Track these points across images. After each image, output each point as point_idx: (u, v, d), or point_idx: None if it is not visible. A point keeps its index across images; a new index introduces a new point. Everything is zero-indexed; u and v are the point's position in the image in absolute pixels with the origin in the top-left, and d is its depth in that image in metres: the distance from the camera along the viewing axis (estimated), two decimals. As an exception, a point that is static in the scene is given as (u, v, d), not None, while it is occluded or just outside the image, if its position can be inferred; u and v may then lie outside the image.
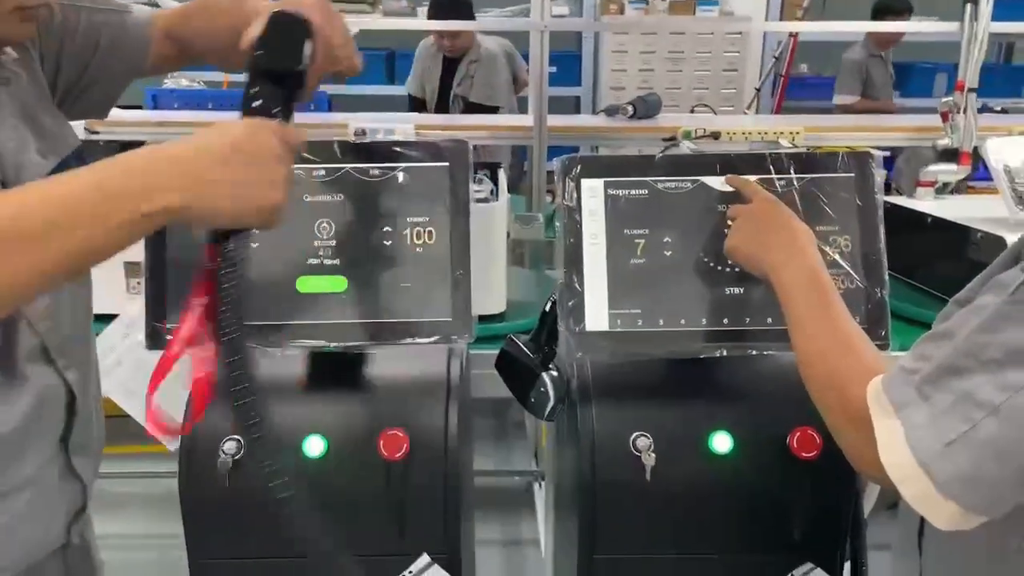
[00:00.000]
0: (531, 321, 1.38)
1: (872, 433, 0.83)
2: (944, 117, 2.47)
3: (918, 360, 0.83)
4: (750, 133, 3.02)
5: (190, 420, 1.07)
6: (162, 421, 0.96)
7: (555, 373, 1.31)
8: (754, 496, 1.26)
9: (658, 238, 1.29)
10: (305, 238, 1.27)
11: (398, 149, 1.29)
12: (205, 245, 0.88)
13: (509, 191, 1.95)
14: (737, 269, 1.23)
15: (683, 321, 1.28)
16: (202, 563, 1.28)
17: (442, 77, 4.51)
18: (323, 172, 1.28)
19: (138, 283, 1.45)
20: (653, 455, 1.22)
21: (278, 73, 0.94)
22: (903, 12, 4.89)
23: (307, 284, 1.27)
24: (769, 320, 1.26)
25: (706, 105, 4.41)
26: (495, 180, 1.85)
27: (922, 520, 0.90)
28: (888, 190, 2.28)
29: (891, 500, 0.88)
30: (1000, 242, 1.67)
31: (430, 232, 1.28)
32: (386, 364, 1.36)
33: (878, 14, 4.93)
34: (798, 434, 1.21)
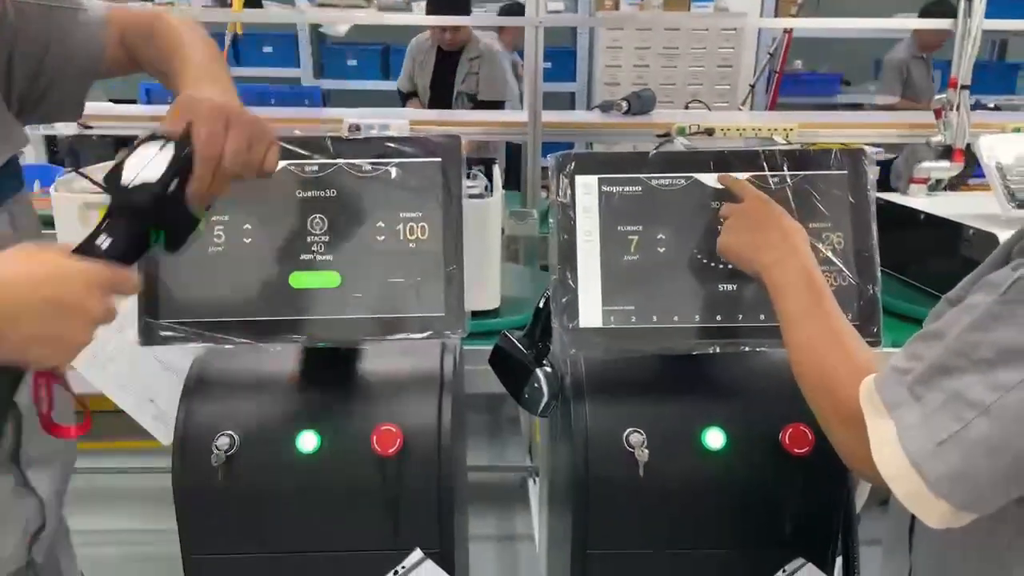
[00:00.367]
0: (525, 317, 1.38)
1: (865, 432, 0.84)
2: (937, 114, 2.48)
3: (910, 360, 0.84)
4: (744, 129, 3.03)
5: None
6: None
7: (549, 369, 1.31)
8: (746, 492, 1.27)
9: (652, 235, 1.29)
10: (298, 234, 1.27)
11: (391, 145, 1.29)
12: None
13: (504, 187, 1.95)
14: (730, 266, 1.24)
15: (676, 318, 1.28)
16: (196, 558, 1.28)
17: (438, 72, 4.48)
18: (316, 168, 1.27)
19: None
20: (646, 451, 1.22)
21: (131, 208, 0.88)
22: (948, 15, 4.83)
23: (300, 280, 1.27)
24: (762, 317, 1.26)
25: (700, 101, 4.42)
26: (490, 176, 1.85)
27: (913, 517, 0.90)
28: (885, 187, 2.29)
29: (883, 496, 0.88)
30: (992, 239, 1.68)
31: (423, 227, 1.28)
32: (379, 360, 1.36)
33: (924, 15, 4.90)
34: (790, 430, 1.22)
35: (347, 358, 1.35)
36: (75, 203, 1.68)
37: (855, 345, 0.95)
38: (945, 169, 2.23)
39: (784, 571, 1.28)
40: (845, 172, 1.29)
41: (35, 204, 1.12)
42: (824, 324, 0.98)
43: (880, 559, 1.10)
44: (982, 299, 0.79)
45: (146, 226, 0.90)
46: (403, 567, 1.27)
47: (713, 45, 5.46)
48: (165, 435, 1.47)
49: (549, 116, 3.15)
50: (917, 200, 2.06)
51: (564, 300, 1.28)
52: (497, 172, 1.90)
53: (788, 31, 4.95)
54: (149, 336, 1.26)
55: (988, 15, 2.50)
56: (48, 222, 1.62)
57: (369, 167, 1.28)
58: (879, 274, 1.29)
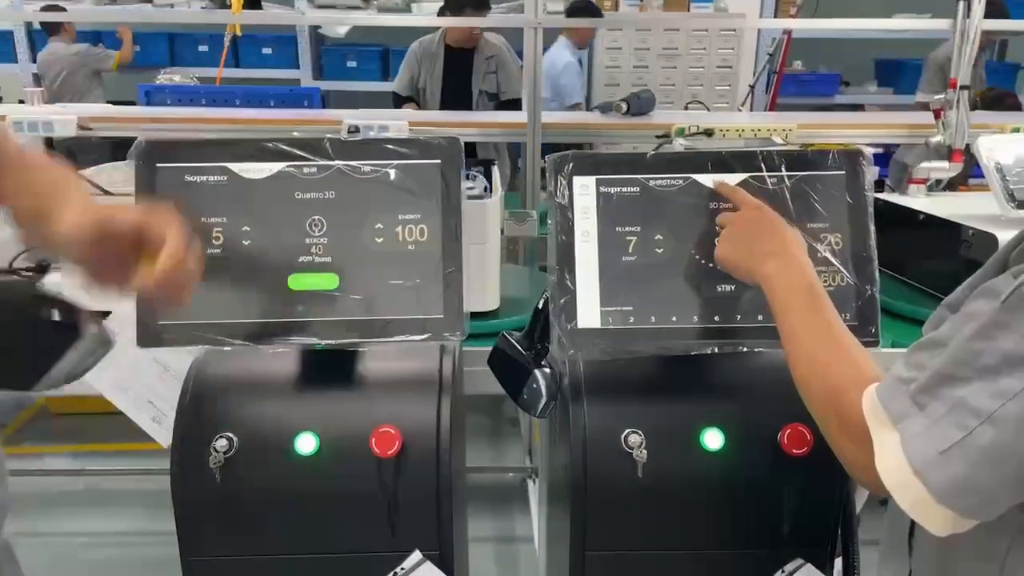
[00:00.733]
0: (524, 318, 1.38)
1: (870, 443, 0.84)
2: (936, 114, 2.48)
3: (912, 369, 0.84)
4: (743, 130, 3.02)
5: None
6: None
7: (548, 370, 1.31)
8: (745, 492, 1.27)
9: (650, 236, 1.29)
10: (297, 236, 1.27)
11: (389, 146, 1.29)
12: None
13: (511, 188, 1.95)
14: (729, 267, 1.24)
15: (674, 318, 1.28)
16: (195, 560, 1.28)
17: (450, 73, 4.39)
18: (315, 169, 1.27)
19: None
20: (645, 452, 1.22)
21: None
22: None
23: (299, 282, 1.27)
24: (760, 318, 1.26)
25: (700, 102, 4.42)
26: (489, 177, 1.85)
27: (912, 520, 0.90)
28: (881, 187, 2.29)
29: (883, 496, 0.88)
30: (991, 239, 1.68)
31: (422, 229, 1.28)
32: (378, 361, 1.36)
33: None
34: (789, 431, 1.22)
35: (346, 360, 1.35)
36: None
37: (857, 353, 0.96)
38: (944, 169, 2.23)
39: (783, 571, 1.28)
40: (843, 173, 1.29)
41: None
42: (827, 335, 0.98)
43: (879, 560, 1.10)
44: (982, 306, 0.79)
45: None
46: (402, 568, 1.27)
47: (713, 46, 5.47)
48: (164, 437, 1.48)
49: (549, 117, 3.15)
50: (916, 200, 2.06)
51: (562, 301, 1.28)
52: (496, 173, 1.90)
53: (787, 32, 4.95)
54: (148, 338, 1.26)
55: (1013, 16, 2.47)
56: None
57: (368, 169, 1.28)
58: (877, 274, 1.29)
